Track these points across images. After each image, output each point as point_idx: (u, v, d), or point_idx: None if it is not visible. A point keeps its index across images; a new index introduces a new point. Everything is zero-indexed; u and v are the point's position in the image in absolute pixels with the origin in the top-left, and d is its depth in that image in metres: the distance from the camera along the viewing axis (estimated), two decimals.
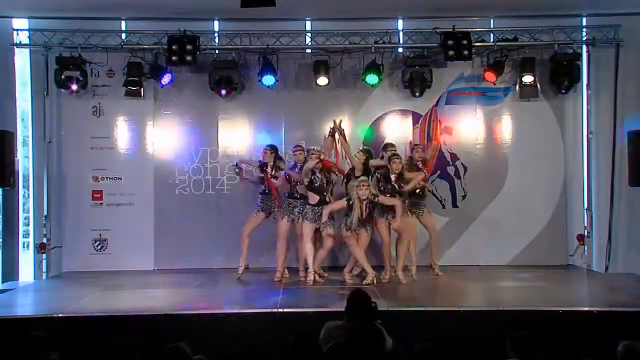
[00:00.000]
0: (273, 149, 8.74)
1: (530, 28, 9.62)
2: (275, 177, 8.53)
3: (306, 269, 8.67)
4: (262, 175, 8.62)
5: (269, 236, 8.80)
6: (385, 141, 9.25)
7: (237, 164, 9.21)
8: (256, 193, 8.83)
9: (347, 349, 4.22)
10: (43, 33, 9.46)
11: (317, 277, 8.20)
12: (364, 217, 7.95)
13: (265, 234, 8.86)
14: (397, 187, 8.27)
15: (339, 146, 8.79)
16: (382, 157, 8.58)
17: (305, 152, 8.45)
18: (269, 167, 8.60)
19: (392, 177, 8.26)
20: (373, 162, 8.66)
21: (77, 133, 9.73)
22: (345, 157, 8.73)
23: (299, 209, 8.37)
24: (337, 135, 8.73)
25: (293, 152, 8.63)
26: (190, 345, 4.55)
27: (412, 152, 9.09)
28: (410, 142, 9.77)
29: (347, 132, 9.64)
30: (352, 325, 4.59)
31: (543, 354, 4.51)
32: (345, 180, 8.74)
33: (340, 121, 8.83)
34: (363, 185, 7.84)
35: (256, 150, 9.34)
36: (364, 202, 7.89)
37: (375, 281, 8.02)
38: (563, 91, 9.68)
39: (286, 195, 8.54)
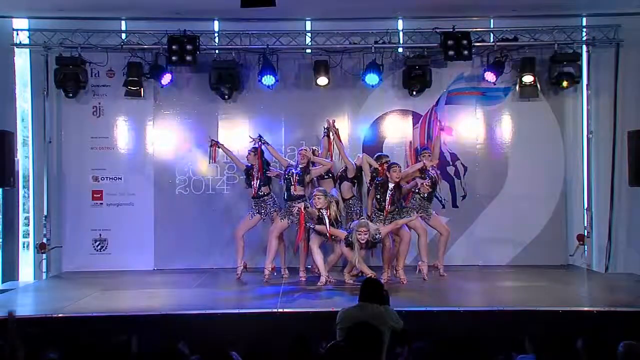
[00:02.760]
0: (256, 150, 8.64)
1: (530, 28, 9.62)
2: (263, 182, 8.54)
3: (307, 269, 8.70)
4: (250, 179, 8.66)
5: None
6: (378, 153, 9.08)
7: (215, 142, 8.97)
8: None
9: (346, 349, 4.22)
10: (43, 33, 9.46)
11: (329, 280, 8.15)
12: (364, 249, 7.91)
13: (265, 234, 8.87)
14: (394, 198, 8.23)
15: (333, 146, 8.80)
16: (377, 169, 8.54)
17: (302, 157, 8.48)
18: (254, 171, 8.61)
19: (390, 185, 8.23)
20: (369, 160, 8.66)
21: (77, 133, 9.73)
22: (340, 157, 8.80)
23: (298, 211, 8.36)
24: (331, 135, 8.76)
25: (298, 152, 8.63)
26: (188, 346, 4.55)
27: (418, 157, 8.97)
28: (411, 143, 9.77)
29: (347, 132, 9.73)
30: (359, 313, 4.65)
31: (545, 353, 4.51)
32: (338, 181, 8.75)
33: (334, 120, 8.85)
34: (362, 231, 7.68)
35: None
36: (364, 244, 7.80)
37: None
38: (563, 91, 9.68)
39: (284, 198, 8.53)
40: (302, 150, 8.61)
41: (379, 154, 9.04)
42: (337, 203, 8.15)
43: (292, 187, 8.38)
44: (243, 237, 8.77)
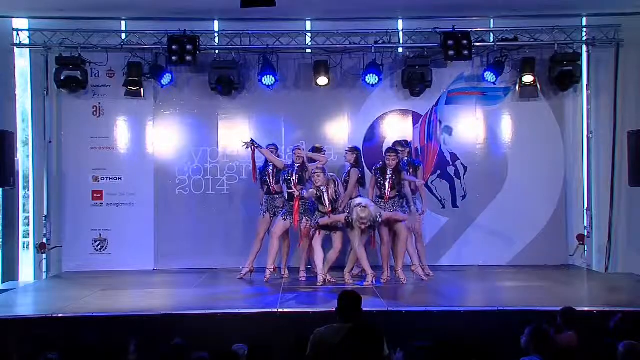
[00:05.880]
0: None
1: (530, 28, 9.62)
2: (276, 180, 8.57)
3: (307, 268, 8.70)
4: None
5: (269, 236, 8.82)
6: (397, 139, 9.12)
7: (253, 142, 8.68)
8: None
9: (347, 349, 4.21)
10: (43, 33, 9.46)
11: (328, 279, 8.17)
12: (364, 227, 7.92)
13: (266, 234, 8.89)
14: (394, 183, 8.20)
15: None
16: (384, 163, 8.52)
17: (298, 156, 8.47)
18: (269, 168, 8.61)
19: (389, 171, 8.22)
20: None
21: (77, 133, 9.73)
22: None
23: (302, 210, 8.36)
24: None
25: (293, 152, 8.58)
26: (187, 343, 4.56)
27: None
28: (411, 143, 9.75)
29: (347, 132, 9.79)
30: (351, 326, 4.56)
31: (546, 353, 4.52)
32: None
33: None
34: (363, 209, 7.76)
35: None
36: (364, 225, 7.82)
37: (374, 281, 8.03)
38: (563, 91, 9.68)
39: (285, 198, 8.53)
40: (296, 149, 8.58)
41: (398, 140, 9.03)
42: (335, 182, 8.20)
43: (292, 188, 8.38)
44: (262, 241, 8.63)
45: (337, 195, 8.19)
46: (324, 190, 8.06)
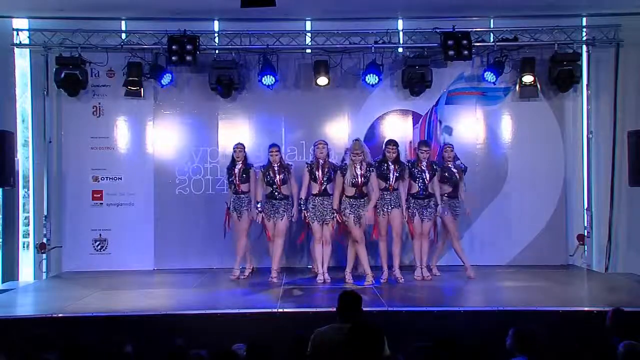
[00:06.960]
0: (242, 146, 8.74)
1: (530, 28, 9.63)
2: (243, 180, 8.60)
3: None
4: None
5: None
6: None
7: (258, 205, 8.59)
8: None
9: (347, 349, 4.21)
10: (43, 33, 9.47)
11: (327, 277, 8.20)
12: (359, 182, 7.95)
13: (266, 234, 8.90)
14: (396, 174, 8.20)
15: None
16: (384, 155, 8.50)
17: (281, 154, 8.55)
18: (236, 168, 8.63)
19: (390, 162, 8.22)
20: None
21: (77, 133, 9.73)
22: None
23: (284, 208, 8.39)
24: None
25: (269, 152, 8.46)
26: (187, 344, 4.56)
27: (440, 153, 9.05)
28: (411, 143, 9.77)
29: (347, 132, 9.78)
30: (352, 325, 4.57)
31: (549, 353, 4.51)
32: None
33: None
34: (357, 152, 7.99)
35: (256, 150, 9.35)
36: (357, 164, 7.94)
37: (374, 281, 8.03)
38: (563, 91, 9.69)
39: (265, 196, 8.48)
40: (272, 148, 8.45)
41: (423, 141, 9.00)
42: (333, 166, 8.29)
43: (277, 188, 8.36)
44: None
45: (330, 176, 8.20)
46: (321, 164, 8.13)
